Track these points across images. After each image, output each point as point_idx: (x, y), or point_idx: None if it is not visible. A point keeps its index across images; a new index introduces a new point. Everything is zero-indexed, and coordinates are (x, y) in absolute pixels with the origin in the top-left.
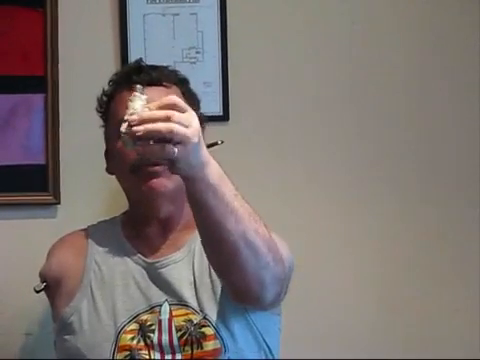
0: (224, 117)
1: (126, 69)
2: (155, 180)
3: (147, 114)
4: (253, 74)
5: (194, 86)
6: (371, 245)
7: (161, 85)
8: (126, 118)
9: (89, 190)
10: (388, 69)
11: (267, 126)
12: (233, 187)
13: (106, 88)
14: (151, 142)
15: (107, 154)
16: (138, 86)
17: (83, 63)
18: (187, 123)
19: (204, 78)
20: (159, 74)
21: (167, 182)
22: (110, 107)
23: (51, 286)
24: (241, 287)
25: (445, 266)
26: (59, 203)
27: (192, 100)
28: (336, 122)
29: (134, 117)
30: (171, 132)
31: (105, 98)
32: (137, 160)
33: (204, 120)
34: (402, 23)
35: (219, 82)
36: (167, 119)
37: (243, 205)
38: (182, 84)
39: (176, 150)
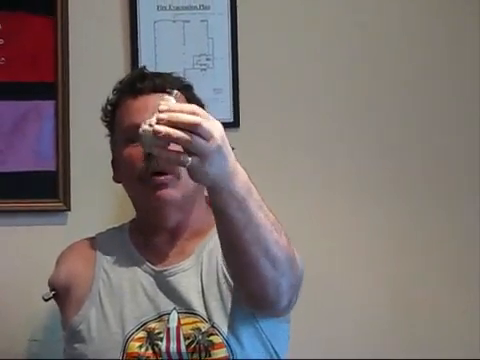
0: (234, 124)
1: (130, 77)
2: (162, 191)
3: (174, 117)
4: (264, 81)
5: (204, 93)
6: (382, 247)
7: (165, 92)
8: (153, 118)
9: (99, 197)
10: (397, 72)
11: (278, 133)
12: (259, 197)
13: (111, 97)
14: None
15: (114, 163)
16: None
17: (93, 70)
18: (209, 136)
19: (214, 85)
20: (163, 81)
21: (174, 192)
22: (115, 116)
23: (60, 294)
24: (258, 293)
25: (456, 267)
26: (69, 210)
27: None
28: (348, 127)
29: (163, 115)
30: (189, 143)
31: (110, 107)
32: (144, 169)
33: None
34: (409, 23)
35: (229, 89)
36: (195, 127)
37: (267, 215)
38: (186, 90)
39: (190, 160)
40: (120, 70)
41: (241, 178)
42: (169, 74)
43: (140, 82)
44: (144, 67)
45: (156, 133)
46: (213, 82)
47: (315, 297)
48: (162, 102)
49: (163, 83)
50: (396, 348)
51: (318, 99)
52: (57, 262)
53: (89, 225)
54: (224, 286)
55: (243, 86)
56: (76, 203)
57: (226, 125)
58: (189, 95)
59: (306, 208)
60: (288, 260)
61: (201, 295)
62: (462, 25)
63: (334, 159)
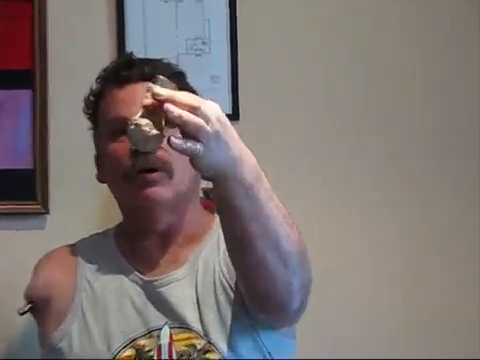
0: (234, 116)
1: (115, 64)
2: (151, 189)
3: (177, 97)
4: (265, 68)
5: (200, 81)
6: (385, 246)
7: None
8: (138, 117)
9: (81, 198)
10: (404, 65)
11: (280, 126)
12: (269, 186)
13: (94, 86)
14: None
15: (97, 160)
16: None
17: (75, 57)
18: (206, 119)
19: (211, 72)
20: (152, 68)
21: (165, 191)
22: (99, 107)
23: (38, 307)
24: (266, 294)
25: (457, 267)
26: (48, 213)
27: None
28: (352, 121)
29: (162, 91)
30: (197, 128)
31: (93, 97)
32: (131, 166)
33: None
34: (409, 23)
35: (228, 77)
36: (194, 110)
37: (278, 206)
38: (179, 78)
39: (201, 148)
40: (105, 56)
41: (249, 163)
42: (159, 60)
43: (127, 70)
44: (131, 53)
45: (167, 112)
46: (209, 69)
47: (317, 298)
48: (147, 94)
49: (153, 71)
50: (397, 348)
51: (325, 91)
52: (34, 271)
53: (70, 230)
54: (222, 297)
55: (243, 74)
56: (55, 205)
57: None
58: (182, 84)
59: (309, 207)
60: (300, 255)
61: (196, 308)
62: (462, 25)
63: (340, 156)
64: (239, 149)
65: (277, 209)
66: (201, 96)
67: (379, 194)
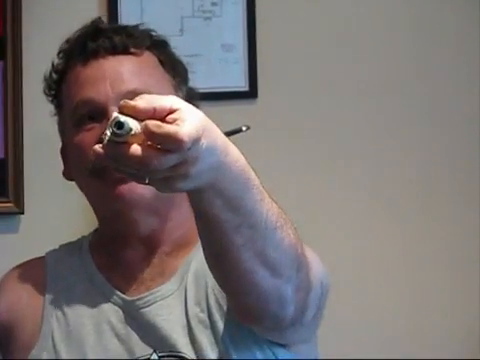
0: (251, 93)
1: (80, 34)
2: (125, 186)
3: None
4: (288, 36)
5: (209, 51)
6: (386, 245)
7: (128, 53)
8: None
9: (62, 195)
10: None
11: (305, 105)
12: (259, 188)
13: (56, 61)
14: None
15: (63, 152)
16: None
17: (55, 21)
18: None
19: (223, 40)
20: (124, 38)
21: (143, 187)
22: (62, 88)
23: None
24: (255, 308)
25: (458, 266)
26: (22, 213)
27: (174, 70)
28: (378, 105)
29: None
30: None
31: (55, 75)
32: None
33: (195, 98)
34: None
35: (244, 45)
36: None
37: (269, 209)
38: (158, 49)
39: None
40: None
41: (234, 166)
42: (134, 27)
43: (93, 40)
44: (99, 19)
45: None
46: (221, 36)
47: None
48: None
49: (125, 41)
50: (396, 348)
51: (356, 65)
52: None
53: (47, 233)
54: (217, 316)
55: (262, 42)
56: (31, 204)
57: (239, 95)
58: (162, 56)
59: (323, 191)
60: (294, 260)
61: (186, 331)
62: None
63: (365, 142)
64: (224, 148)
65: (268, 213)
66: (187, 68)
67: (388, 184)
